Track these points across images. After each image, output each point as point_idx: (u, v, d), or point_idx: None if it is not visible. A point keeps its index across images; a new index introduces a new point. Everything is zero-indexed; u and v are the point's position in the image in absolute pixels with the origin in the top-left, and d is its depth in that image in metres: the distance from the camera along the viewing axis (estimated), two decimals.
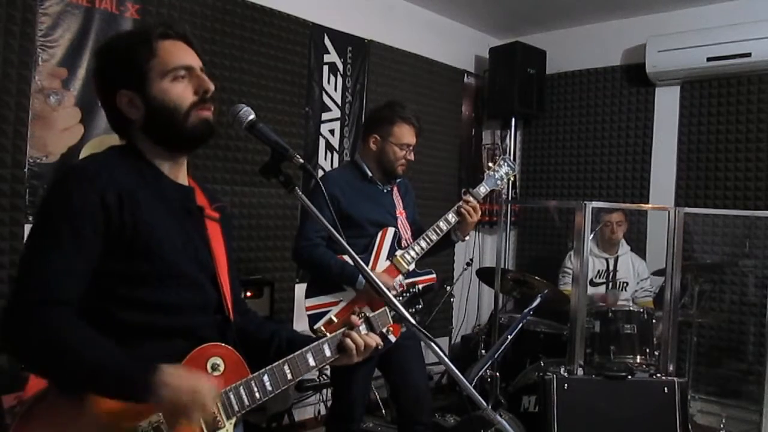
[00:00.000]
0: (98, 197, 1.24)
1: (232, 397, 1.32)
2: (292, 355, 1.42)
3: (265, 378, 1.37)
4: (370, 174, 2.69)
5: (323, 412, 4.06)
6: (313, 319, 2.55)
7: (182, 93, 1.35)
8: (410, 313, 1.73)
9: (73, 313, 1.23)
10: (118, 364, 1.20)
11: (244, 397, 1.34)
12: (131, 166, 1.34)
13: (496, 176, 2.79)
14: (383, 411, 4.01)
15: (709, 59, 4.25)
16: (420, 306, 1.77)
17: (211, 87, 1.38)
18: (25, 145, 2.87)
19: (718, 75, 4.39)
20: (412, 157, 2.69)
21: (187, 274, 1.35)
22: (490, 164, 2.84)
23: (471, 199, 2.66)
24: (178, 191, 1.42)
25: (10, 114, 2.82)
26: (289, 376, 1.40)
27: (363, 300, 2.52)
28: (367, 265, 2.56)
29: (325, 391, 3.94)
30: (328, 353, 1.48)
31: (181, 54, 1.37)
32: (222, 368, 1.34)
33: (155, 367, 1.20)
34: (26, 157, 2.87)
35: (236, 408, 1.33)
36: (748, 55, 4.10)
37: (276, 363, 1.39)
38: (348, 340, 1.49)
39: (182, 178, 1.45)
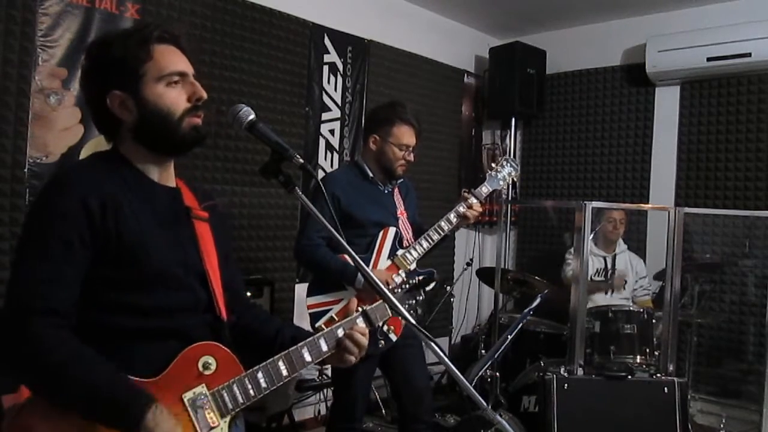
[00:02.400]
0: (80, 204, 1.24)
1: (225, 395, 1.33)
2: (287, 351, 1.42)
3: (260, 375, 1.37)
4: (371, 174, 2.70)
5: (323, 412, 4.06)
6: (315, 317, 2.56)
7: (176, 99, 1.35)
8: (411, 304, 1.73)
9: (65, 322, 1.22)
10: (109, 394, 1.19)
11: (238, 394, 1.34)
12: (114, 172, 1.33)
13: (499, 176, 2.80)
14: (383, 411, 4.01)
15: (709, 59, 4.24)
16: (421, 297, 1.75)
17: (204, 95, 1.38)
18: (25, 145, 2.86)
19: (718, 75, 4.38)
20: (412, 158, 2.69)
21: (174, 277, 1.35)
22: (493, 164, 2.84)
23: (472, 199, 2.67)
24: (164, 194, 1.41)
25: (10, 114, 2.82)
26: (285, 372, 1.40)
27: (364, 299, 2.52)
28: (369, 264, 2.57)
29: (325, 391, 3.95)
30: (324, 348, 1.48)
31: (176, 59, 1.37)
32: (214, 367, 1.33)
33: (148, 403, 1.19)
34: (26, 157, 2.87)
35: (230, 406, 1.33)
36: (748, 55, 4.10)
37: (270, 359, 1.39)
38: (348, 341, 1.49)
39: (169, 180, 1.45)
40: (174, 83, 1.35)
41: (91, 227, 1.24)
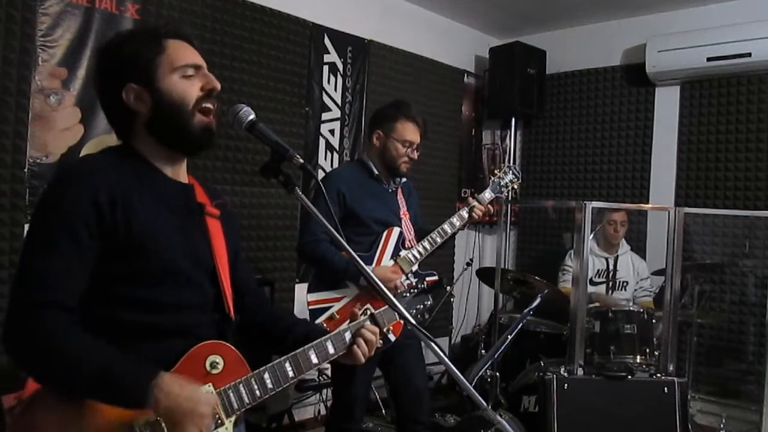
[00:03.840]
0: (90, 198, 1.24)
1: (231, 395, 1.32)
2: (294, 352, 1.42)
3: (266, 375, 1.37)
4: (376, 172, 2.70)
5: (323, 412, 4.06)
6: (315, 314, 2.56)
7: (189, 88, 1.36)
8: (418, 310, 1.73)
9: (72, 316, 1.22)
10: (117, 371, 1.19)
11: (244, 395, 1.34)
12: (126, 166, 1.33)
13: (501, 183, 2.83)
14: (383, 411, 4.01)
15: (709, 59, 4.24)
16: (429, 302, 1.76)
17: (218, 86, 1.39)
18: (25, 145, 2.86)
19: (718, 75, 4.38)
20: (415, 156, 2.70)
21: (184, 272, 1.35)
22: (496, 171, 2.87)
23: (477, 204, 2.70)
24: (177, 189, 1.41)
25: (10, 114, 2.82)
26: (291, 374, 1.40)
27: (366, 297, 2.52)
28: (371, 263, 2.58)
29: (325, 391, 3.95)
30: (331, 350, 1.48)
31: (189, 53, 1.39)
32: (221, 366, 1.33)
33: (155, 374, 1.19)
34: (26, 157, 2.87)
35: (236, 406, 1.33)
36: (748, 55, 4.10)
37: (277, 360, 1.39)
38: (359, 339, 1.50)
39: (182, 176, 1.45)
40: (188, 76, 1.36)
41: (100, 222, 1.25)
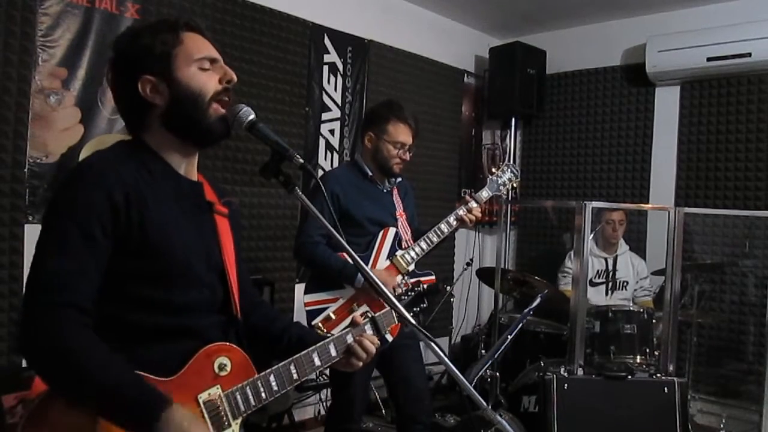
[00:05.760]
0: (105, 196, 1.23)
1: (238, 396, 1.33)
2: (297, 355, 1.42)
3: (271, 378, 1.37)
4: (370, 173, 2.70)
5: (323, 412, 4.06)
6: (312, 315, 2.56)
7: (207, 80, 1.36)
8: (415, 312, 1.73)
9: (87, 318, 1.20)
10: (128, 394, 1.16)
11: (251, 396, 1.34)
12: (139, 162, 1.32)
13: (499, 181, 2.81)
14: (383, 411, 4.01)
15: (709, 59, 4.24)
16: (425, 305, 1.78)
17: (234, 77, 1.39)
18: (25, 145, 2.86)
19: (718, 75, 4.38)
20: (407, 156, 2.69)
21: (196, 272, 1.34)
22: (494, 169, 2.86)
23: (473, 203, 2.67)
24: (188, 186, 1.41)
25: (10, 114, 2.82)
26: (295, 376, 1.41)
27: (362, 298, 2.53)
28: (367, 263, 2.57)
29: (325, 391, 3.95)
30: (333, 353, 1.49)
31: (206, 46, 1.39)
32: (229, 368, 1.34)
33: (166, 406, 1.17)
34: (26, 157, 2.87)
35: (242, 408, 1.33)
36: (748, 55, 4.10)
37: (282, 363, 1.40)
38: (357, 347, 1.50)
39: (192, 174, 1.44)
40: (205, 68, 1.36)
41: (115, 220, 1.23)
